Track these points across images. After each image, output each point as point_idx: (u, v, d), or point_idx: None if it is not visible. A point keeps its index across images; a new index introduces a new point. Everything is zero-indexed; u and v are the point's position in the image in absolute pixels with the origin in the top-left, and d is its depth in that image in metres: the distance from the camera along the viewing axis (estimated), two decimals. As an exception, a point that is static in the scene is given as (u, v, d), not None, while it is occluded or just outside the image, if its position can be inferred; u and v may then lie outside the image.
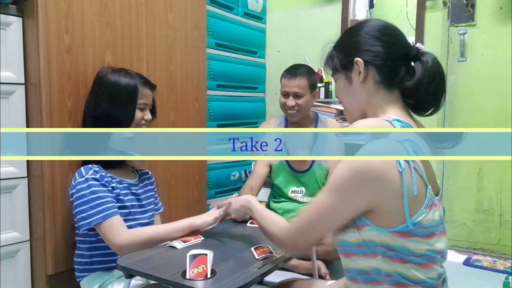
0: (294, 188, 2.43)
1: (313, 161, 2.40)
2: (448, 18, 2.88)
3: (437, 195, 1.02)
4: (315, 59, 3.32)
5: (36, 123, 1.74)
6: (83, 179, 1.52)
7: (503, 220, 2.81)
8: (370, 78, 1.07)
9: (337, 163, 2.39)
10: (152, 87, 1.72)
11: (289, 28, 3.59)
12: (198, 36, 2.64)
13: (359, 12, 3.10)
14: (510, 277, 2.35)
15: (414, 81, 1.02)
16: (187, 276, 1.15)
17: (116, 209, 1.52)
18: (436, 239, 0.98)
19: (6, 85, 1.68)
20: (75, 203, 1.53)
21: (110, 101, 1.63)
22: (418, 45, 1.04)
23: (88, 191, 1.50)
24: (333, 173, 1.00)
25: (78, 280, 1.65)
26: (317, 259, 1.99)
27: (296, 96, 2.33)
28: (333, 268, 2.31)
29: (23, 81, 1.74)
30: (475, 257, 2.76)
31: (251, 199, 1.41)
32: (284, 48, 3.63)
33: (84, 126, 1.72)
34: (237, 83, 3.21)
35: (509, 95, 2.71)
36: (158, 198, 1.90)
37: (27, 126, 1.76)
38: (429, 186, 0.96)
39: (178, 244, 1.44)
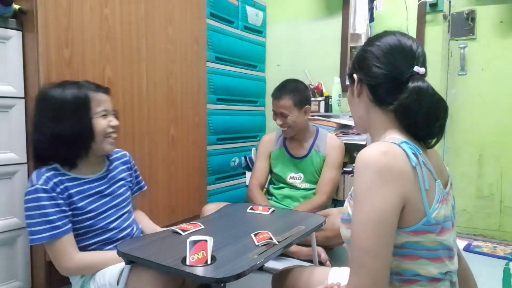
0: (292, 174, 2.49)
1: (311, 147, 2.48)
2: (448, 31, 2.88)
3: (445, 187, 1.01)
4: (315, 73, 3.36)
5: (35, 136, 1.73)
6: (33, 188, 1.36)
7: (503, 206, 2.80)
8: (365, 95, 1.06)
9: (333, 150, 2.43)
10: (106, 91, 1.55)
11: (289, 42, 3.60)
12: (198, 49, 2.65)
13: (359, 25, 3.11)
14: (510, 263, 2.35)
15: (397, 101, 0.99)
16: (187, 262, 1.15)
17: (67, 227, 1.39)
18: (447, 235, 0.96)
19: (6, 99, 1.68)
20: (24, 214, 1.38)
21: (59, 120, 1.42)
22: (416, 68, 0.98)
23: (35, 204, 1.35)
24: (354, 186, 0.93)
25: None
26: (317, 245, 2.00)
27: (282, 115, 2.39)
28: (333, 254, 2.32)
29: (23, 95, 1.74)
30: (475, 243, 2.74)
31: None
32: (284, 61, 3.63)
33: (37, 155, 1.48)
34: (237, 97, 3.22)
35: (509, 109, 2.71)
36: (140, 177, 1.79)
37: (27, 140, 1.75)
38: (438, 180, 0.96)
39: (180, 232, 1.45)
